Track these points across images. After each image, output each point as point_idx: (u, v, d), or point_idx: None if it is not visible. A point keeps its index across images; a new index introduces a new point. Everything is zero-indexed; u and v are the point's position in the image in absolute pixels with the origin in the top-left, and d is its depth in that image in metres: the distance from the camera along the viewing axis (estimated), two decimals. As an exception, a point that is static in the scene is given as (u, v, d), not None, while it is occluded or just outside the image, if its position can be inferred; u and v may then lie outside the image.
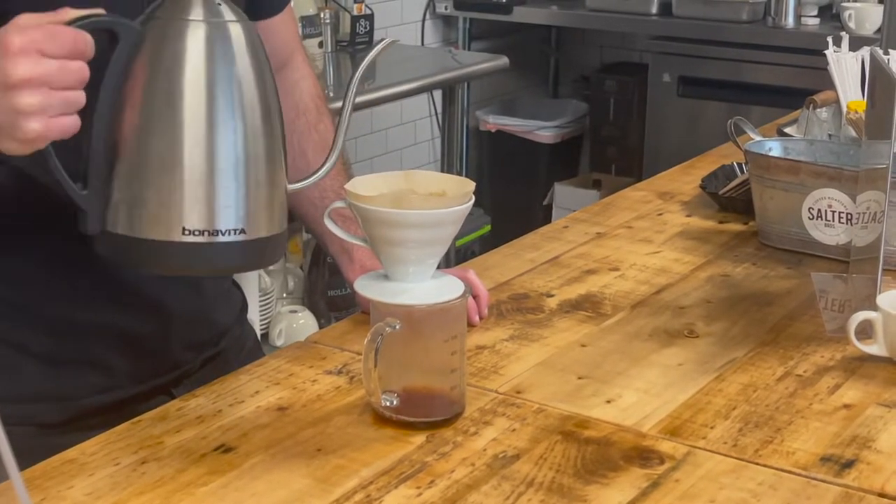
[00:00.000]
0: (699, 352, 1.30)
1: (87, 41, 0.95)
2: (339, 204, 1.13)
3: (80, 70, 0.95)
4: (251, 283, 2.65)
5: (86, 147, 0.99)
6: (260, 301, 2.67)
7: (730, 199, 1.77)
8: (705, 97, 3.73)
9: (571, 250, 1.61)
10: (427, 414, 1.11)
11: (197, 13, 0.99)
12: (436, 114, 3.83)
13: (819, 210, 1.57)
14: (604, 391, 1.20)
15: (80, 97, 0.95)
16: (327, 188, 1.38)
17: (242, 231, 0.99)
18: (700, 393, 1.20)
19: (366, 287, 1.11)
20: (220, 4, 1.00)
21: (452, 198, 1.10)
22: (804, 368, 1.26)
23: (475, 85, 4.07)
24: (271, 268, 2.89)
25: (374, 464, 1.05)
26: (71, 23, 0.95)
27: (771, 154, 1.66)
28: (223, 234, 0.98)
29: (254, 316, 2.42)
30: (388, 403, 1.10)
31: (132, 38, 0.98)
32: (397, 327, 1.07)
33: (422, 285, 1.11)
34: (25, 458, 0.96)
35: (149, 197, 0.98)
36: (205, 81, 0.98)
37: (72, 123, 0.95)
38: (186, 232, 0.97)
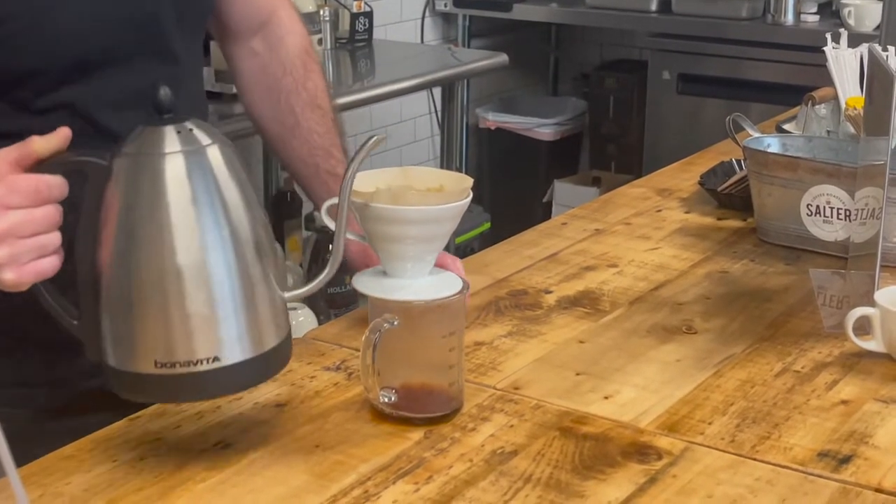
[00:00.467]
0: (697, 348, 1.30)
1: (50, 185, 0.97)
2: (334, 201, 1.13)
3: (46, 216, 0.96)
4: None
5: (76, 279, 0.99)
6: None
7: (728, 196, 1.77)
8: (705, 94, 3.73)
9: (570, 247, 1.61)
10: (425, 410, 1.11)
11: (172, 145, 0.96)
12: (435, 111, 3.83)
13: (817, 206, 1.57)
14: (602, 387, 1.20)
15: (51, 240, 0.97)
16: (317, 146, 1.41)
17: (216, 359, 0.97)
18: (698, 389, 1.20)
19: (364, 283, 1.11)
20: (192, 130, 0.97)
21: (450, 194, 1.10)
22: (802, 364, 1.26)
23: (475, 82, 4.08)
24: (271, 265, 2.89)
25: (372, 460, 1.05)
26: (37, 168, 0.97)
27: (769, 150, 1.66)
28: (195, 365, 0.96)
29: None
30: (386, 400, 1.10)
31: (101, 176, 0.96)
32: (395, 323, 1.07)
33: (420, 281, 1.11)
34: (23, 442, 0.97)
35: (122, 330, 0.97)
36: (185, 217, 0.95)
37: (48, 265, 0.98)
38: (158, 364, 0.96)
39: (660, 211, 1.77)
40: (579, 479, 1.03)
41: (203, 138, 0.97)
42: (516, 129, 4.10)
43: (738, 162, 1.85)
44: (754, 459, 1.07)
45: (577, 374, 1.23)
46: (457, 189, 1.10)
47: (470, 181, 1.11)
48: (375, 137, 1.04)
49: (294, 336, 1.34)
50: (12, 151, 0.97)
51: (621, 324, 1.36)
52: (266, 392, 1.18)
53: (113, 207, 0.95)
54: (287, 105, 1.41)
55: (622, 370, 1.24)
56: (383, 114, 3.76)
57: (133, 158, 0.96)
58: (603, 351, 1.29)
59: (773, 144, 1.69)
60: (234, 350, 0.97)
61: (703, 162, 1.98)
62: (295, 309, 2.79)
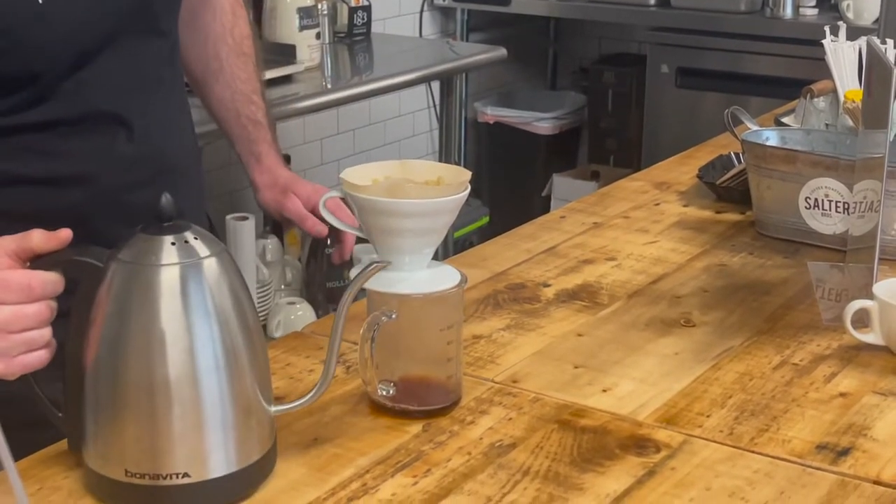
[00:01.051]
0: (695, 341, 1.30)
1: (44, 282, 0.97)
2: (333, 193, 1.13)
3: (38, 313, 0.97)
4: (248, 274, 2.65)
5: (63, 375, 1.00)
6: (258, 292, 2.67)
7: (727, 189, 1.77)
8: (704, 88, 3.72)
9: (568, 240, 1.61)
10: (423, 403, 1.11)
11: (169, 256, 0.95)
12: (434, 105, 3.83)
13: (816, 199, 1.56)
14: (600, 380, 1.20)
15: (41, 336, 0.98)
16: (238, 91, 1.47)
17: (186, 475, 0.94)
18: (696, 382, 1.20)
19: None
20: (187, 243, 0.95)
21: (448, 186, 1.10)
22: (800, 357, 1.26)
23: (473, 76, 4.07)
24: (269, 259, 2.89)
25: (371, 453, 1.05)
26: (34, 262, 0.97)
27: (768, 143, 1.66)
28: (163, 479, 0.94)
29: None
30: (384, 393, 1.10)
31: (95, 277, 0.96)
32: (393, 316, 1.07)
33: (418, 274, 1.11)
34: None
35: (99, 432, 0.96)
36: (175, 331, 0.94)
37: (35, 359, 0.99)
38: (128, 473, 0.94)
39: (658, 204, 1.77)
40: (578, 471, 1.03)
41: (201, 250, 0.96)
42: (515, 124, 4.10)
43: (737, 155, 1.85)
44: (753, 452, 1.07)
45: (576, 367, 1.23)
46: (455, 182, 1.10)
47: (468, 174, 1.11)
48: (376, 265, 1.03)
49: (293, 329, 1.34)
50: (11, 243, 0.98)
51: (619, 317, 1.36)
52: (264, 385, 1.17)
53: (104, 311, 0.95)
54: (214, 50, 1.46)
55: (620, 363, 1.24)
56: (382, 108, 3.75)
57: (129, 266, 0.95)
58: (601, 344, 1.29)
59: (771, 137, 1.69)
60: (207, 466, 0.95)
61: (702, 155, 1.98)
62: (294, 304, 2.79)
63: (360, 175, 1.11)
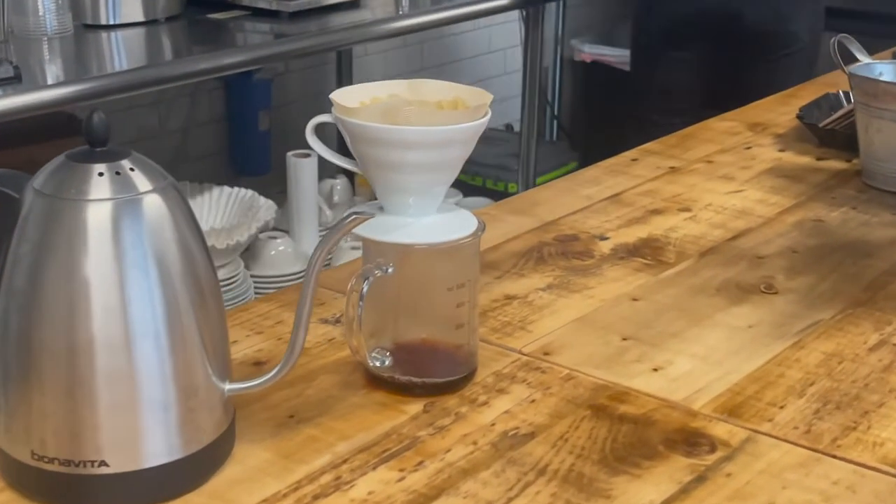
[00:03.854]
0: (776, 311, 1.07)
1: None
2: (323, 118, 0.93)
3: None
4: (308, 215, 2.48)
5: None
6: (321, 235, 2.50)
7: (831, 133, 1.55)
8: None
9: (637, 186, 1.39)
10: (427, 376, 0.91)
11: (100, 189, 0.75)
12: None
13: (936, 146, 1.33)
14: (651, 356, 0.99)
15: None
16: None
17: (104, 463, 0.76)
18: (771, 363, 0.98)
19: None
20: (118, 174, 0.76)
21: (461, 112, 0.89)
22: (904, 337, 1.03)
23: (571, 13, 3.84)
24: (336, 200, 2.72)
25: (355, 437, 0.86)
26: None
27: (881, 79, 1.43)
28: (76, 466, 0.76)
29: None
30: (377, 363, 0.90)
31: (10, 210, 0.77)
32: (389, 271, 0.87)
33: (424, 220, 0.90)
34: None
35: (5, 402, 0.78)
36: (103, 283, 0.75)
37: None
38: (35, 456, 0.76)
39: (749, 148, 1.54)
40: (607, 473, 0.82)
41: (140, 183, 0.76)
42: (614, 63, 3.84)
43: (847, 94, 1.62)
44: (834, 457, 0.85)
45: (624, 339, 1.02)
46: (472, 105, 0.89)
47: (489, 97, 0.90)
48: (356, 216, 0.81)
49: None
50: None
51: (686, 279, 1.14)
52: (245, 346, 0.99)
53: (15, 254, 0.76)
54: None
55: (679, 336, 1.02)
56: (470, 43, 3.55)
57: (48, 200, 0.75)
58: (660, 311, 1.07)
59: (886, 72, 1.45)
60: (135, 454, 0.76)
61: (806, 95, 1.75)
62: (357, 248, 2.62)
63: (354, 95, 0.90)
